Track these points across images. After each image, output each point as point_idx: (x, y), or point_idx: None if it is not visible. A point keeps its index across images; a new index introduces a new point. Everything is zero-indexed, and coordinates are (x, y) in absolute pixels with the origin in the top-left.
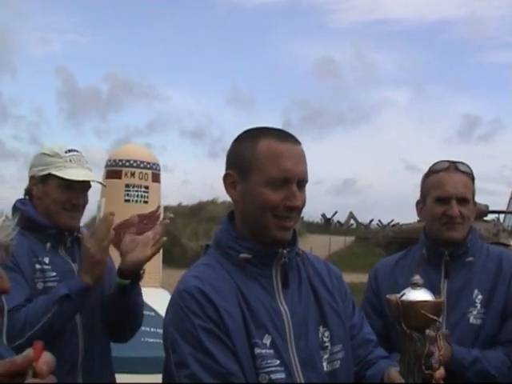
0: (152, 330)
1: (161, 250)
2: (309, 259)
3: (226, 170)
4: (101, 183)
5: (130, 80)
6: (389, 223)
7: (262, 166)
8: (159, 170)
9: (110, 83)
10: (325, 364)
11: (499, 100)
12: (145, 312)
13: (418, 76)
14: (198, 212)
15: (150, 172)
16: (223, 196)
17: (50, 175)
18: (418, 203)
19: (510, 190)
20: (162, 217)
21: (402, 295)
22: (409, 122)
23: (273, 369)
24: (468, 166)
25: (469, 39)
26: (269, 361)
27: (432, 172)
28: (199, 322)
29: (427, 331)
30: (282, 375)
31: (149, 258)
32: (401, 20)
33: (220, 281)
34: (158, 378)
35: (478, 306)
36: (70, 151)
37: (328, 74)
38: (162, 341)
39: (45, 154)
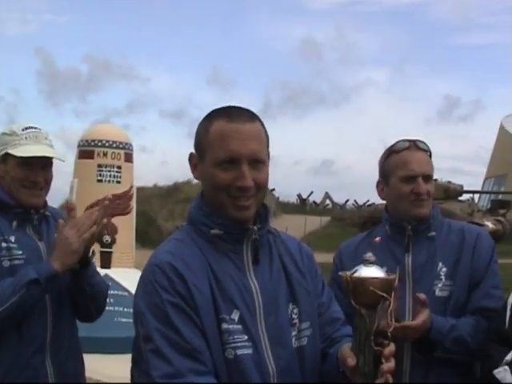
0: (125, 310)
1: (134, 230)
2: (281, 238)
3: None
4: (59, 159)
5: (109, 61)
6: (364, 203)
7: (212, 147)
8: (132, 150)
9: (89, 64)
10: (293, 340)
11: (479, 81)
12: (118, 292)
13: (399, 57)
14: (173, 193)
15: (122, 152)
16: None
17: (7, 154)
18: (378, 183)
19: (485, 170)
20: (135, 196)
21: (354, 272)
22: (389, 103)
23: (239, 344)
24: (426, 144)
25: (450, 20)
26: (235, 336)
27: (394, 152)
28: (167, 297)
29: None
30: (248, 351)
31: (93, 242)
32: (381, 0)
33: (191, 256)
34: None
35: (443, 278)
36: (27, 128)
37: (309, 54)
38: None
39: (4, 133)
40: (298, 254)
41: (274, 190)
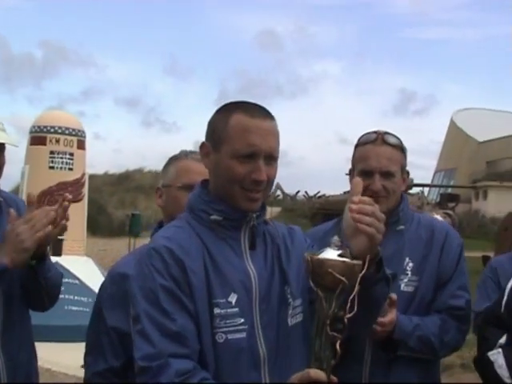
0: (76, 298)
1: (85, 218)
2: (275, 228)
3: (205, 140)
4: (12, 144)
5: (65, 47)
6: (315, 195)
7: (232, 139)
8: (85, 137)
9: (45, 50)
10: (289, 319)
11: (434, 76)
12: (68, 280)
13: (356, 49)
14: (124, 181)
15: (75, 139)
16: (151, 165)
17: None
18: (350, 173)
19: (435, 164)
20: (87, 184)
21: (320, 253)
22: (345, 95)
23: (231, 328)
24: (397, 138)
25: (408, 13)
26: (228, 320)
27: (359, 144)
28: (161, 281)
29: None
30: (242, 334)
31: (49, 241)
32: None
33: (188, 241)
34: (81, 346)
35: (409, 273)
36: None
37: (266, 45)
38: (85, 309)
39: None
40: (288, 236)
41: None
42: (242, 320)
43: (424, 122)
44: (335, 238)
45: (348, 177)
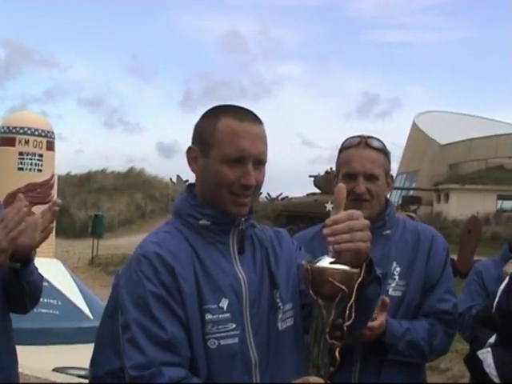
0: (45, 300)
1: (54, 221)
2: (263, 230)
3: (191, 143)
4: None
5: (28, 47)
6: (277, 196)
7: (220, 143)
8: (54, 138)
9: (7, 50)
10: (279, 324)
11: (398, 79)
12: None
13: (320, 52)
14: (87, 182)
15: (44, 140)
16: (113, 166)
17: None
18: (334, 177)
19: (397, 166)
20: (56, 185)
21: (317, 261)
22: (309, 98)
23: (223, 334)
24: (380, 141)
25: (371, 16)
26: (220, 326)
27: (343, 148)
28: (151, 288)
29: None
30: (234, 340)
31: (38, 244)
32: None
33: (177, 246)
34: (51, 349)
35: (397, 278)
36: None
37: (230, 47)
38: (55, 311)
39: None
40: (275, 239)
41: (187, 181)
42: (234, 325)
43: (386, 125)
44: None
45: (311, 179)
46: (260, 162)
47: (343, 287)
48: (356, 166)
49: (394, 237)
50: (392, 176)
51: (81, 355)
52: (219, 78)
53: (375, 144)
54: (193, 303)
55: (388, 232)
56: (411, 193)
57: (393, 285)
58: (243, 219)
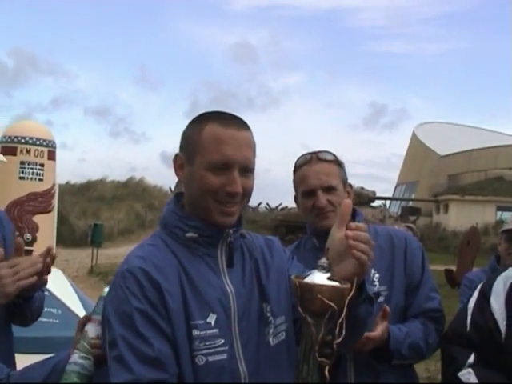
0: (45, 309)
1: (55, 229)
2: (252, 240)
3: (179, 151)
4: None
5: (36, 56)
6: (277, 207)
7: (205, 150)
8: (55, 148)
9: (15, 58)
10: (271, 339)
11: (400, 89)
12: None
13: (327, 63)
14: (86, 191)
15: (45, 149)
16: (115, 175)
17: None
18: (295, 198)
19: (396, 176)
20: (57, 195)
21: (305, 276)
22: (315, 108)
23: (212, 350)
24: (331, 153)
25: (382, 26)
26: (208, 342)
27: (297, 167)
28: (136, 304)
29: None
30: (222, 356)
31: (36, 287)
32: (312, 5)
33: (163, 261)
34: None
35: (377, 284)
36: None
37: (239, 58)
38: (55, 320)
39: None
40: (266, 249)
41: None
42: (222, 341)
43: (387, 136)
44: (323, 261)
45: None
46: (247, 169)
47: (332, 304)
48: (312, 182)
49: None
50: (351, 184)
51: None
52: (226, 87)
53: (326, 157)
54: (179, 319)
55: None
56: (410, 203)
57: (374, 291)
58: (231, 231)
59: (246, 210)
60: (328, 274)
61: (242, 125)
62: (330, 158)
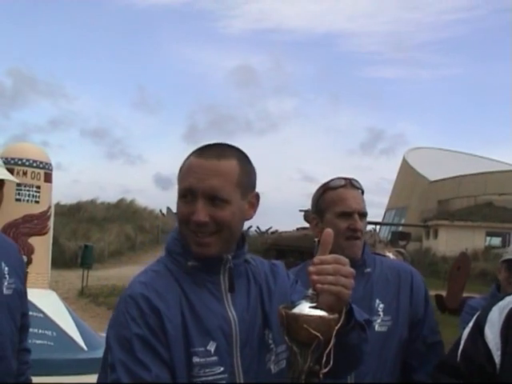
0: (40, 331)
1: (50, 251)
2: (257, 265)
3: None
4: (12, 180)
5: (35, 77)
6: (267, 230)
7: (179, 180)
8: (51, 170)
9: (13, 78)
10: (272, 366)
11: (404, 115)
12: (33, 313)
13: (328, 87)
14: (76, 212)
15: (42, 172)
16: (106, 197)
17: None
18: (313, 219)
19: (386, 201)
20: (52, 217)
21: (295, 306)
22: (314, 134)
23: (210, 378)
24: (359, 183)
25: (367, 52)
26: (207, 370)
27: (330, 188)
28: (136, 330)
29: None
30: (221, 383)
31: None
32: (311, 31)
33: (165, 287)
34: (45, 380)
35: (381, 314)
36: None
37: (237, 81)
38: (50, 342)
39: None
40: (270, 274)
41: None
42: (222, 368)
43: (377, 160)
44: (310, 291)
45: (301, 213)
46: (215, 198)
47: (318, 334)
48: (352, 204)
49: (374, 274)
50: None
51: None
52: (225, 111)
53: (358, 184)
54: (179, 345)
55: (369, 270)
56: (400, 228)
57: (378, 321)
58: (230, 257)
59: (249, 236)
60: (315, 304)
61: (219, 154)
62: (359, 186)
